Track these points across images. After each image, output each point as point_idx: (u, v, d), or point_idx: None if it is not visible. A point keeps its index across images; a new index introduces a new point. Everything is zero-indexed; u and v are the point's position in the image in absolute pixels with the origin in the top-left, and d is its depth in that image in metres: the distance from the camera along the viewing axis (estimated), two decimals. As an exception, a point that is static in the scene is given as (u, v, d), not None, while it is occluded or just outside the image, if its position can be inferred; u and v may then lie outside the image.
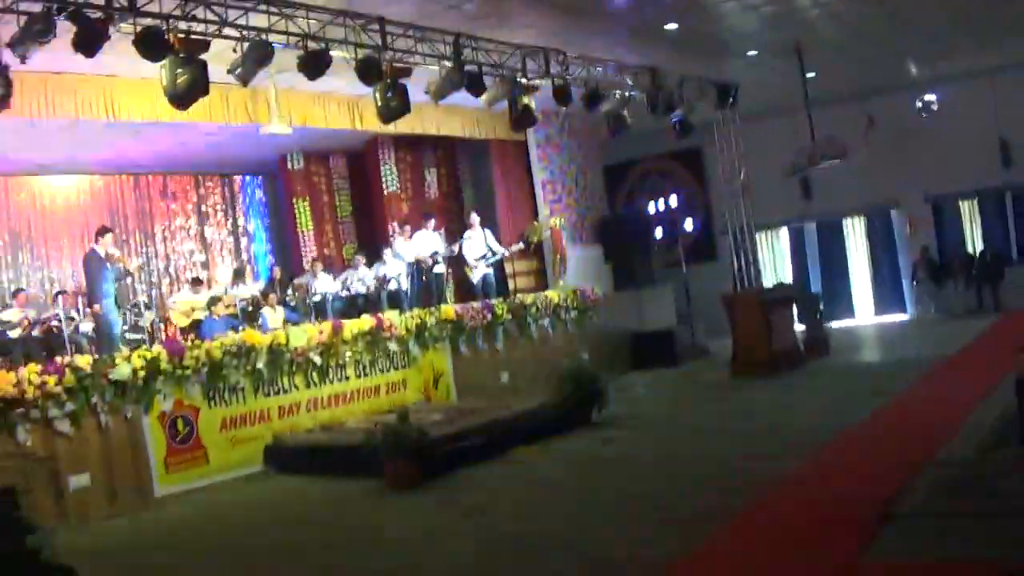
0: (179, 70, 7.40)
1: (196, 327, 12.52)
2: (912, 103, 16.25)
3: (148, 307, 12.74)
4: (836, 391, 9.96)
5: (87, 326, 11.03)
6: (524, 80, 10.79)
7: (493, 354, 12.72)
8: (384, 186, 15.48)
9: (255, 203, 16.79)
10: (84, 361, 8.63)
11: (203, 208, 16.02)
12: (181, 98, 7.58)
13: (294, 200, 15.79)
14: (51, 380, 8.25)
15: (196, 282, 13.78)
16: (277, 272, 14.33)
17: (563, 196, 15.54)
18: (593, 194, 16.29)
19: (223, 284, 13.79)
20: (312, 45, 8.58)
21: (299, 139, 14.47)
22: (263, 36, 7.98)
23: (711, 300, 13.63)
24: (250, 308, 12.93)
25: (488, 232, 14.01)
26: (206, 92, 7.62)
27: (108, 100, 10.04)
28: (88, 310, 11.05)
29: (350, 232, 16.10)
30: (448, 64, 9.90)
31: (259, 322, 12.12)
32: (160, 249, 15.40)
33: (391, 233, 15.04)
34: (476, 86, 10.08)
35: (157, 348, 9.14)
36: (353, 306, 13.36)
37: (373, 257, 14.32)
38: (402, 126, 12.70)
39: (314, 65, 8.42)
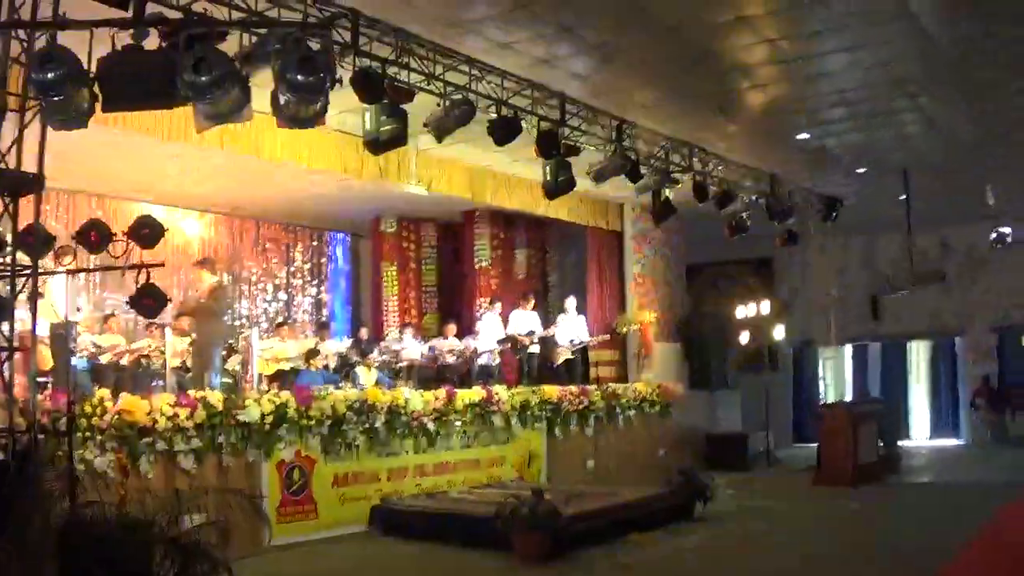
0: (384, 117, 7.23)
1: (281, 376, 12.16)
2: (987, 234, 16.09)
3: (235, 350, 12.41)
4: (931, 506, 10.08)
5: (176, 361, 10.58)
6: (671, 172, 10.68)
7: (582, 440, 12.36)
8: (476, 260, 15.39)
9: (342, 261, 16.65)
10: (217, 398, 8.17)
11: (291, 257, 15.87)
12: (381, 145, 7.37)
13: (382, 263, 15.67)
14: (183, 413, 7.82)
15: (279, 328, 13.35)
16: (364, 333, 13.97)
17: (651, 291, 15.26)
18: (676, 292, 16.03)
19: (313, 339, 13.31)
20: (504, 111, 8.41)
21: (395, 202, 14.40)
22: (464, 95, 7.70)
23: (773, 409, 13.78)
24: (339, 366, 12.68)
25: (582, 318, 14.20)
26: (405, 143, 7.50)
27: (251, 136, 9.68)
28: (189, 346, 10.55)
29: (432, 302, 15.96)
30: (611, 147, 9.72)
31: (353, 380, 11.75)
32: (244, 293, 15.15)
33: (478, 307, 14.95)
34: (635, 173, 9.92)
35: (286, 395, 8.73)
36: (441, 376, 13.15)
37: (461, 329, 14.22)
38: (507, 202, 12.83)
39: (505, 131, 8.23)
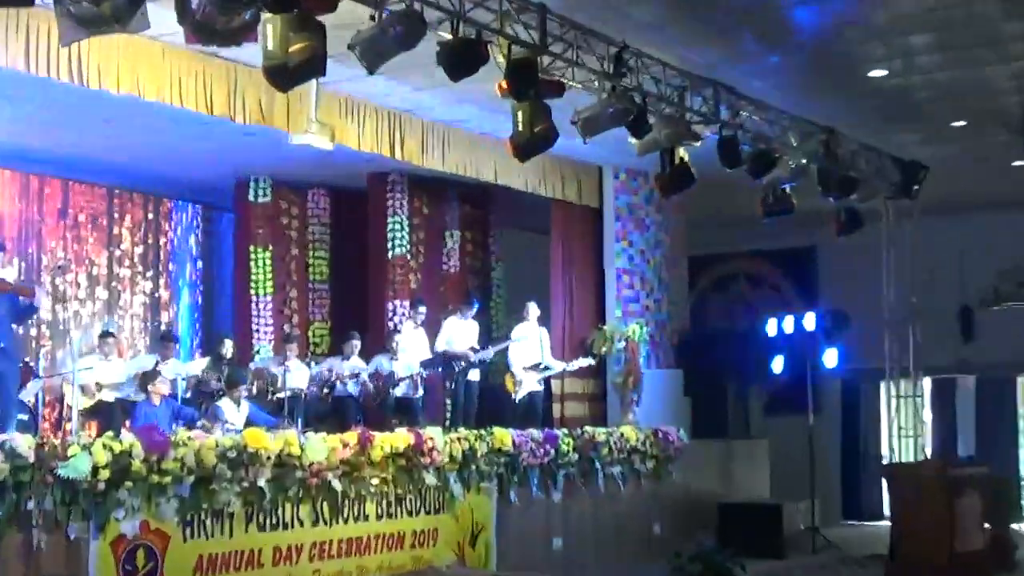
0: (294, 33, 7.32)
1: (105, 411, 12.10)
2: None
3: (33, 372, 12.36)
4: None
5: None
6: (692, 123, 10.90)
7: (547, 507, 12.33)
8: (388, 245, 15.41)
9: (189, 242, 16.56)
10: (26, 444, 7.95)
11: (115, 237, 15.67)
12: (289, 75, 7.48)
13: (251, 248, 15.68)
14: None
15: (104, 340, 13.09)
16: (228, 348, 13.76)
17: (641, 294, 15.62)
18: (676, 296, 16.26)
19: (150, 356, 13.17)
20: (463, 30, 8.56)
21: (271, 160, 14.43)
22: (408, 4, 7.76)
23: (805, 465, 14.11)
24: (192, 396, 12.79)
25: (545, 334, 14.21)
26: (322, 72, 7.86)
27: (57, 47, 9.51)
28: None
29: (324, 304, 16.05)
30: (606, 86, 9.86)
31: (213, 418, 11.56)
32: (45, 287, 14.68)
33: (392, 314, 15.06)
34: (639, 125, 10.01)
35: (129, 440, 8.49)
36: (339, 413, 13.22)
37: (368, 345, 14.20)
38: (438, 162, 13.23)
39: (463, 58, 8.41)
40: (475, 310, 13.97)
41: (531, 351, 13.86)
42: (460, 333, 13.65)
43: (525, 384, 13.81)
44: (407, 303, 14.84)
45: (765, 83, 11.75)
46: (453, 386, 13.42)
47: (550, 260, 15.48)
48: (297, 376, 13.35)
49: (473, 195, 16.06)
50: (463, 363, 13.41)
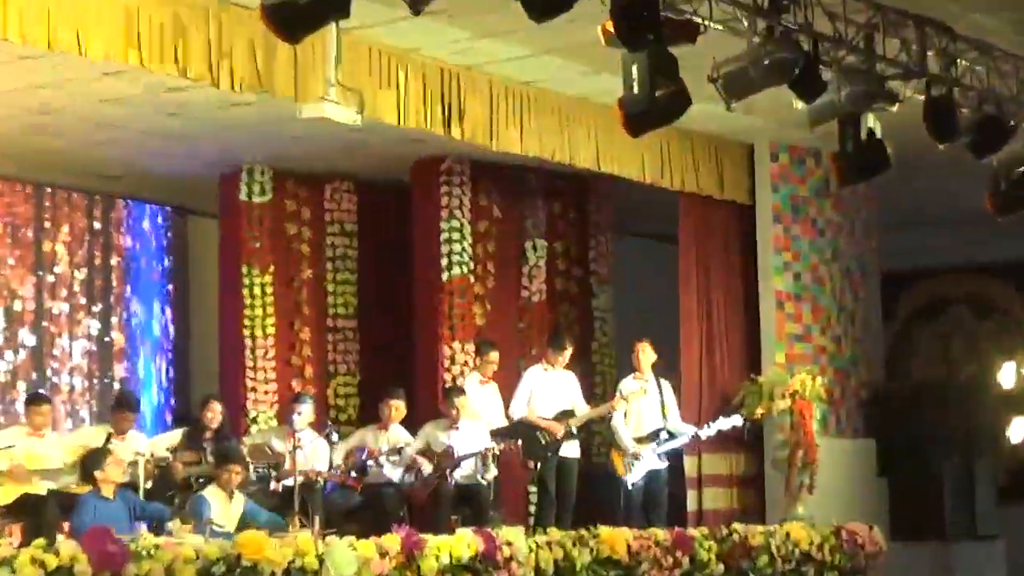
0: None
1: (34, 507, 11.94)
2: None
3: None
4: None
5: None
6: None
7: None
8: (443, 262, 15.50)
9: (152, 262, 16.74)
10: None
11: (47, 256, 15.80)
12: (299, 19, 7.64)
13: (244, 269, 15.83)
14: None
15: (33, 408, 13.16)
16: (212, 414, 13.79)
17: (813, 329, 15.69)
18: (866, 331, 16.25)
19: (99, 427, 13.35)
20: None
21: (275, 144, 14.65)
22: None
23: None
24: (160, 484, 12.77)
25: (669, 389, 14.45)
26: (345, 12, 8.20)
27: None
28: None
29: (350, 351, 16.29)
30: (760, 27, 9.77)
31: (196, 514, 11.58)
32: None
33: (449, 362, 15.19)
34: (809, 82, 9.98)
35: (71, 549, 8.57)
36: (374, 507, 13.32)
37: (418, 410, 14.43)
38: (514, 143, 13.32)
39: None
40: (568, 355, 14.10)
41: (649, 414, 14.12)
42: (548, 390, 13.87)
43: (642, 462, 13.95)
44: (471, 346, 15.00)
45: (994, 18, 11.69)
46: (539, 467, 13.61)
47: (678, 281, 15.63)
48: (313, 454, 13.45)
49: (566, 189, 16.29)
50: (553, 434, 13.59)
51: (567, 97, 13.47)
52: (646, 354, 14.32)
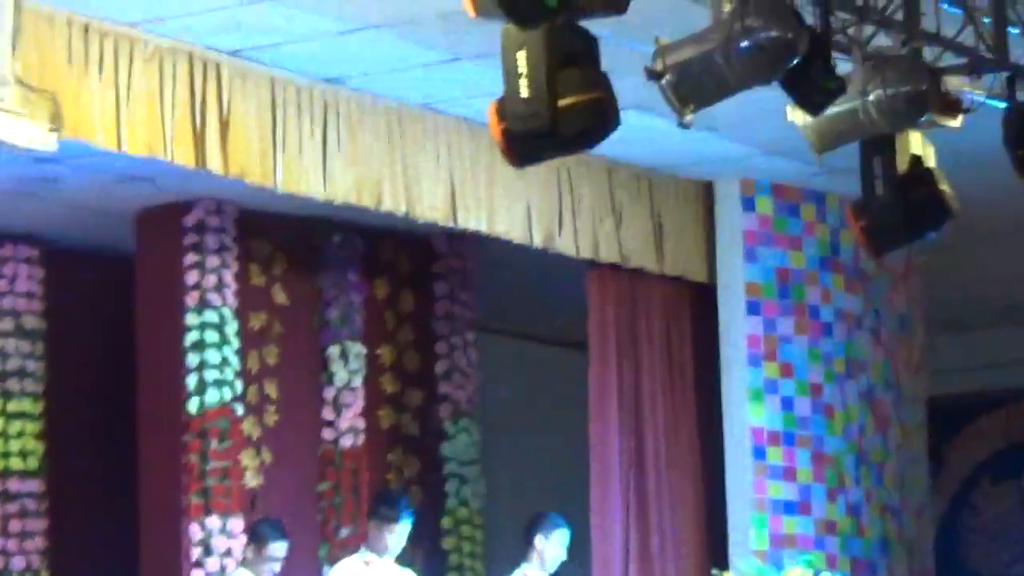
0: None
1: None
2: None
3: None
4: None
5: None
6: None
7: None
8: (192, 383, 15.28)
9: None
10: None
11: None
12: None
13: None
14: None
15: None
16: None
17: (816, 490, 15.74)
18: (905, 497, 16.14)
19: None
20: None
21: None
22: None
23: None
24: None
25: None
26: None
27: None
28: None
29: (33, 529, 15.89)
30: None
31: None
32: None
33: (197, 551, 14.86)
34: (814, 79, 9.52)
35: None
36: None
37: None
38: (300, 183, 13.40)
39: None
40: (402, 535, 14.07)
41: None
42: None
43: None
44: (237, 523, 14.95)
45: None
46: None
47: (589, 417, 15.78)
48: None
49: (399, 258, 16.88)
50: None
51: (401, 106, 13.68)
52: (559, 543, 14.45)
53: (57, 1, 11.23)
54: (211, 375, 15.36)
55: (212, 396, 15.29)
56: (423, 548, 15.84)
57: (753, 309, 15.65)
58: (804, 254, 15.75)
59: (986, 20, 10.90)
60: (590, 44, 8.95)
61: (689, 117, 9.84)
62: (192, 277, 15.52)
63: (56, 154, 11.37)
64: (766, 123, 11.16)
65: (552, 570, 14.60)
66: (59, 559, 16.28)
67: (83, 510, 16.65)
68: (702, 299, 15.98)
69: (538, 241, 14.81)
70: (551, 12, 8.73)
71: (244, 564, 14.43)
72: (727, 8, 9.60)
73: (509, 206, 14.52)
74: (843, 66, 10.07)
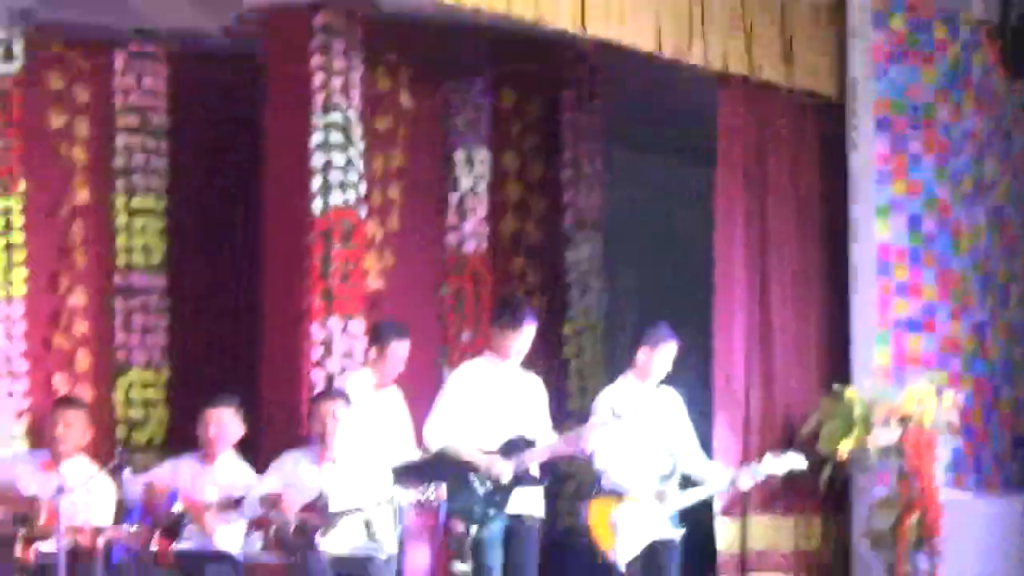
0: None
1: None
2: None
3: None
4: None
5: None
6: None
7: None
8: (316, 185, 15.89)
9: None
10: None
11: None
12: None
13: None
14: None
15: None
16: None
17: (939, 309, 16.28)
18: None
19: None
20: None
21: None
22: None
23: None
24: None
25: (681, 406, 14.96)
26: None
27: None
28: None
29: (155, 325, 16.82)
30: None
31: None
32: None
33: (318, 349, 15.51)
34: None
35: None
36: None
37: (266, 429, 14.73)
38: None
39: None
40: (525, 342, 14.29)
41: (655, 447, 14.48)
42: (491, 402, 14.07)
43: (639, 528, 14.16)
44: (359, 325, 15.40)
45: None
46: (474, 531, 13.62)
47: (713, 227, 16.30)
48: (88, 500, 13.59)
49: (525, 67, 17.17)
50: (497, 478, 13.76)
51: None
52: (664, 356, 14.69)
53: None
54: (335, 177, 15.76)
55: (336, 197, 15.72)
56: (544, 355, 16.01)
57: (882, 126, 16.11)
58: (936, 71, 16.22)
59: None
60: None
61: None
62: (319, 79, 15.84)
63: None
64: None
65: (657, 382, 14.78)
66: (180, 354, 16.90)
67: (205, 307, 17.32)
68: (831, 116, 16.41)
69: (668, 52, 15.26)
70: None
71: (366, 364, 14.77)
72: None
73: (639, 16, 14.90)
74: None
